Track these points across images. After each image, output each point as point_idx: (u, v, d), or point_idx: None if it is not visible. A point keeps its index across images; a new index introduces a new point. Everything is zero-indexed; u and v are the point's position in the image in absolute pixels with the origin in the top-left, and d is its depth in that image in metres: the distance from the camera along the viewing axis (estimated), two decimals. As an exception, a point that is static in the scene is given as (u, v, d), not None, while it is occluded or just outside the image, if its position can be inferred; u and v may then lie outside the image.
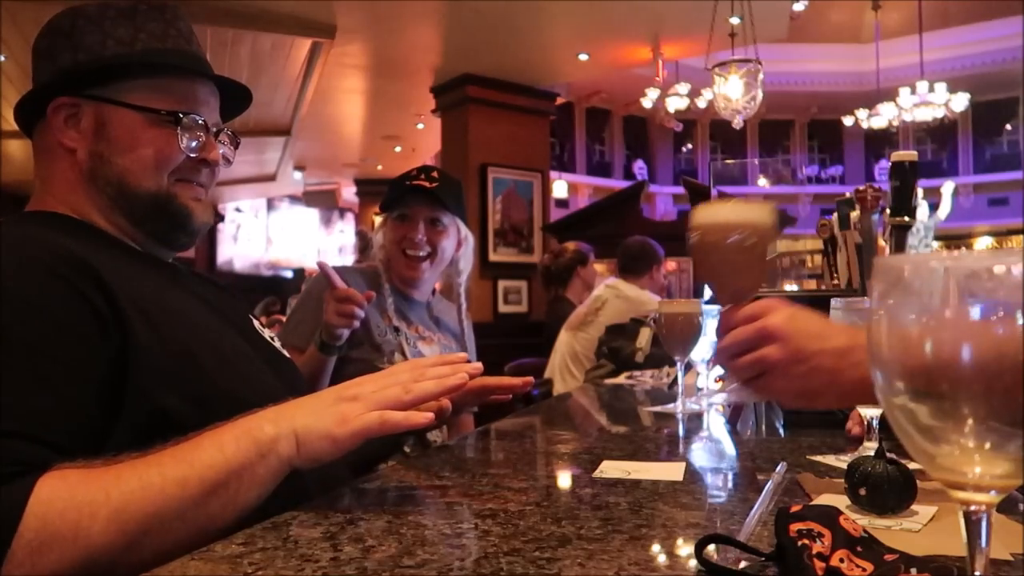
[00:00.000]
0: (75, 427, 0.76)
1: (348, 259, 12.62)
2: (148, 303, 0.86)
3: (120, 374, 0.80)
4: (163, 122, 0.99)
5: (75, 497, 0.68)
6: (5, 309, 0.76)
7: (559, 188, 10.36)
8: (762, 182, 13.01)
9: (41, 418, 0.73)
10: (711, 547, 0.63)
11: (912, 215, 1.40)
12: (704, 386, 1.74)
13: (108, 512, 0.68)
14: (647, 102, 7.04)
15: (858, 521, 0.63)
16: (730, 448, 1.27)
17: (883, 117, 8.65)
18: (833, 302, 1.02)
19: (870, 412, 1.01)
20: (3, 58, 5.14)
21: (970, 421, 0.35)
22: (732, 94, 5.20)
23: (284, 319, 2.14)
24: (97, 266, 0.83)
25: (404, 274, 1.95)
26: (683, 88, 6.58)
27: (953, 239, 11.84)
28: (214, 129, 1.04)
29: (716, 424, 1.45)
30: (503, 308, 6.68)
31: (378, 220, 2.03)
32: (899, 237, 1.40)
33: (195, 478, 0.72)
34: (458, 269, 2.03)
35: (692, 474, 0.98)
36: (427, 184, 1.89)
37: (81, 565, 0.67)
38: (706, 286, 0.97)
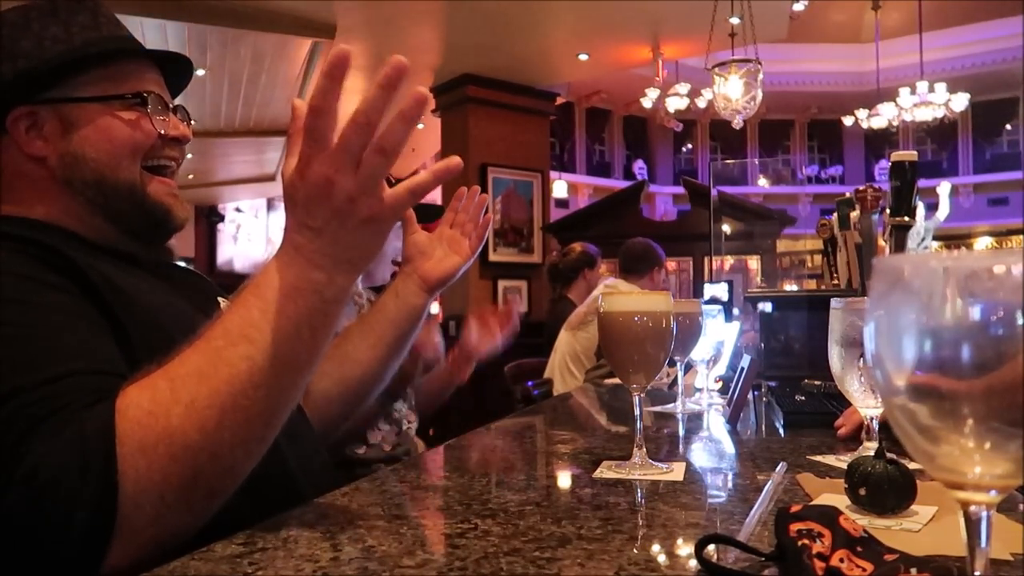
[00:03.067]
0: (123, 368, 0.76)
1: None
2: (126, 294, 0.85)
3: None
4: (131, 106, 0.97)
5: (151, 402, 0.68)
6: (9, 282, 0.77)
7: (559, 188, 10.36)
8: (762, 182, 13.01)
9: (97, 356, 0.75)
10: (711, 547, 0.63)
11: (912, 215, 1.40)
12: (704, 386, 1.74)
13: (181, 410, 0.68)
14: (647, 102, 7.04)
15: (858, 521, 0.63)
16: (730, 448, 1.27)
17: (883, 117, 8.64)
18: (833, 302, 1.02)
19: (870, 412, 1.01)
20: None
21: (970, 421, 0.35)
22: (732, 94, 5.20)
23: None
24: (75, 259, 0.83)
25: None
26: (683, 88, 6.58)
27: (953, 239, 11.84)
28: (171, 106, 1.03)
29: (716, 424, 1.45)
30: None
31: None
32: (899, 237, 1.40)
33: (261, 341, 0.73)
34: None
35: (692, 474, 0.98)
36: None
37: (182, 459, 0.67)
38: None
